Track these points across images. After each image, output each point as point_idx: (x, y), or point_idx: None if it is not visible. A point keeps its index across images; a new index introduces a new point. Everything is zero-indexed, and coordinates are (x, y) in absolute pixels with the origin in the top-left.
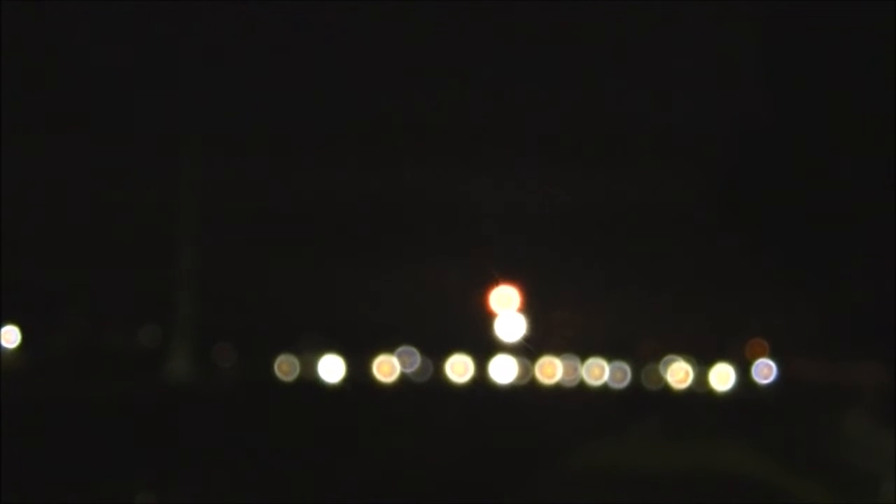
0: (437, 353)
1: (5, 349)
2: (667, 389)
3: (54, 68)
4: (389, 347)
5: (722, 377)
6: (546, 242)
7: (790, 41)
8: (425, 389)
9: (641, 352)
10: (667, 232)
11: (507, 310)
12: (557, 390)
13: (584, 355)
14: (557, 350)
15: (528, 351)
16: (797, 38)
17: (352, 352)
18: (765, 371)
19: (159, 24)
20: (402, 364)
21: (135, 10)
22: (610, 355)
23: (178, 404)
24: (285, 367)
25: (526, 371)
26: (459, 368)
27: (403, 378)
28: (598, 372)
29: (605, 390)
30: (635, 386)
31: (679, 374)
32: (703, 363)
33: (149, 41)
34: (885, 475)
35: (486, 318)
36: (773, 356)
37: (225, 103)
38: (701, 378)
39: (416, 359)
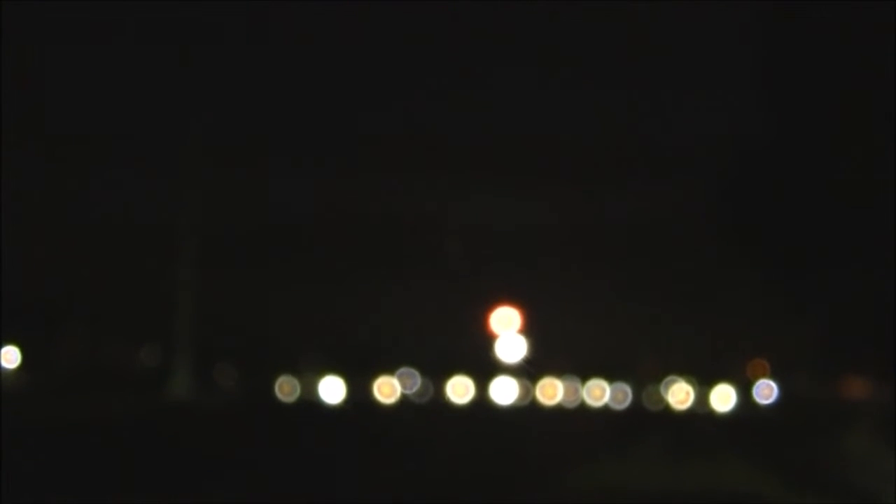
0: (437, 375)
1: (6, 369)
2: (668, 410)
3: (54, 85)
4: (390, 368)
5: (723, 398)
6: (547, 263)
7: (791, 55)
8: (426, 410)
9: (642, 372)
10: (667, 252)
11: (507, 331)
12: (558, 411)
13: (584, 376)
14: (558, 371)
15: (528, 372)
16: (798, 51)
17: (352, 373)
18: (766, 391)
19: (160, 42)
20: (403, 385)
21: (136, 26)
22: (611, 376)
23: (178, 423)
24: (286, 388)
25: (527, 392)
26: (460, 389)
27: (404, 399)
28: (599, 393)
29: (606, 411)
30: (636, 407)
31: (680, 394)
32: (704, 384)
33: (148, 59)
34: (886, 494)
35: (487, 339)
36: (774, 376)
37: (225, 123)
38: (702, 398)
39: (417, 380)
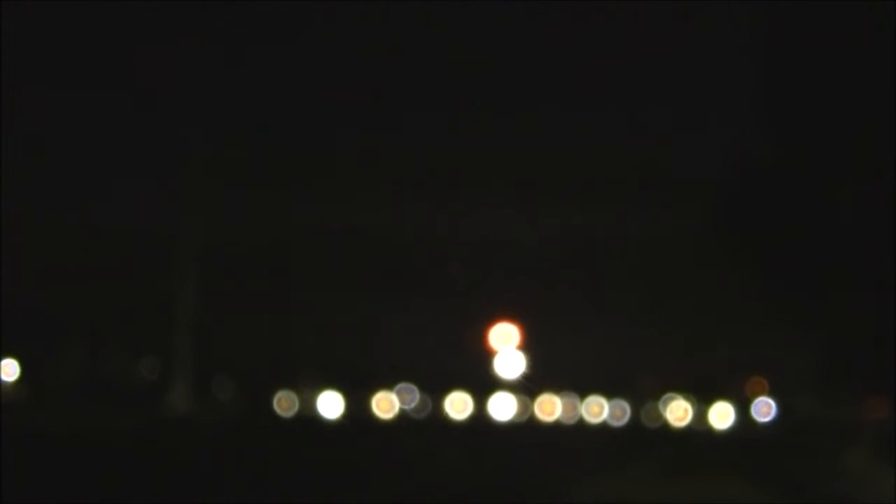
0: (436, 390)
1: (5, 382)
2: (666, 427)
3: (57, 100)
4: (389, 384)
5: (721, 415)
6: (546, 280)
7: (790, 73)
8: (424, 426)
9: (641, 389)
10: (667, 270)
11: (506, 347)
12: (557, 428)
13: (583, 393)
14: (557, 387)
15: (527, 388)
16: (797, 70)
17: (351, 388)
18: (764, 409)
19: (162, 54)
20: (402, 400)
21: (139, 36)
22: (609, 393)
23: (177, 437)
24: (285, 403)
25: (525, 408)
26: (459, 405)
27: (403, 415)
28: (598, 409)
29: (604, 428)
30: (635, 423)
31: (678, 411)
32: (702, 401)
33: (149, 75)
34: None
35: (486, 355)
36: (772, 394)
37: (226, 138)
38: (700, 416)
39: (416, 395)
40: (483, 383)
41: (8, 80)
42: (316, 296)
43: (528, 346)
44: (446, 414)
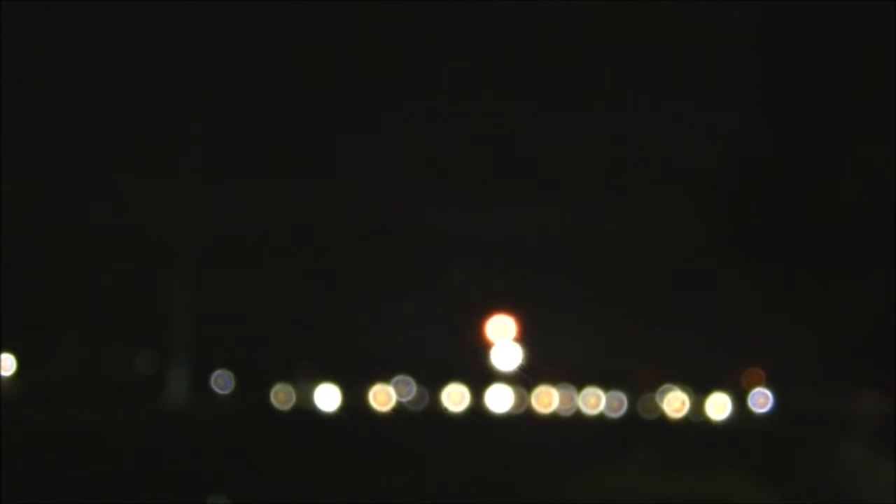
0: (433, 383)
1: (2, 377)
2: (663, 419)
3: (55, 98)
4: (386, 376)
5: (718, 406)
6: (542, 271)
7: (788, 64)
8: (421, 418)
9: (638, 381)
10: (663, 261)
11: (503, 339)
12: (554, 419)
13: (580, 385)
14: (554, 379)
15: (524, 380)
16: (795, 61)
17: (348, 381)
18: (761, 400)
19: (159, 49)
20: (399, 393)
21: (135, 31)
22: (606, 384)
23: (174, 431)
24: (282, 396)
25: (522, 400)
26: (456, 398)
27: (400, 407)
28: (595, 401)
29: (601, 419)
30: (632, 415)
31: (675, 403)
32: (699, 392)
33: (147, 73)
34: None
35: (483, 347)
36: (769, 385)
37: (222, 131)
38: (697, 407)
39: (412, 388)
40: (480, 375)
41: (7, 78)
42: (313, 289)
43: (524, 337)
44: (443, 406)
